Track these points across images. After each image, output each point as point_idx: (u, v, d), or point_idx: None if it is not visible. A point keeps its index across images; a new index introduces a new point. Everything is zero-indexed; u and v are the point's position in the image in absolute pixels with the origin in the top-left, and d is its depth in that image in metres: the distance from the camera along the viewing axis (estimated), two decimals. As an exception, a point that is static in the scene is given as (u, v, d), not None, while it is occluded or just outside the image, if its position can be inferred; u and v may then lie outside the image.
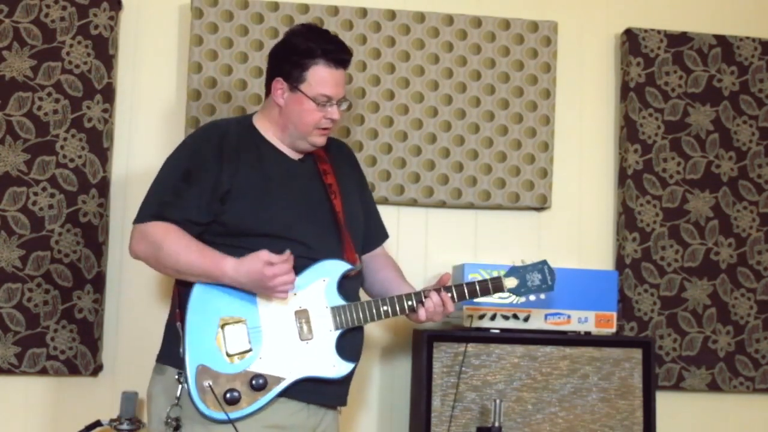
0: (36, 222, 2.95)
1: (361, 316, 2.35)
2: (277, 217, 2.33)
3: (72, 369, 2.95)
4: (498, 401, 2.72)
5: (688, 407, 3.29)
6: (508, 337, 2.93)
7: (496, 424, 2.70)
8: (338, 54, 2.39)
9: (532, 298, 2.52)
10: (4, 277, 2.93)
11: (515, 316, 2.94)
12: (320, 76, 2.36)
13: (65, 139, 2.99)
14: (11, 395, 2.97)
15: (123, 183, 3.05)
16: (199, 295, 2.28)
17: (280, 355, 2.28)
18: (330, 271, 2.35)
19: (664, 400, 3.20)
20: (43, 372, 2.94)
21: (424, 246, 3.19)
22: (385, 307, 2.38)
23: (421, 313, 2.39)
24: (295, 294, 2.30)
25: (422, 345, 2.89)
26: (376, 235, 2.66)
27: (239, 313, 2.28)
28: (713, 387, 3.26)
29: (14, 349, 2.92)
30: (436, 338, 2.91)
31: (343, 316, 2.33)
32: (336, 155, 2.57)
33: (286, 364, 2.28)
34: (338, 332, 2.33)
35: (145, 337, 2.79)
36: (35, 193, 2.96)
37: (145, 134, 3.09)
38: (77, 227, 2.97)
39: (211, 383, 2.22)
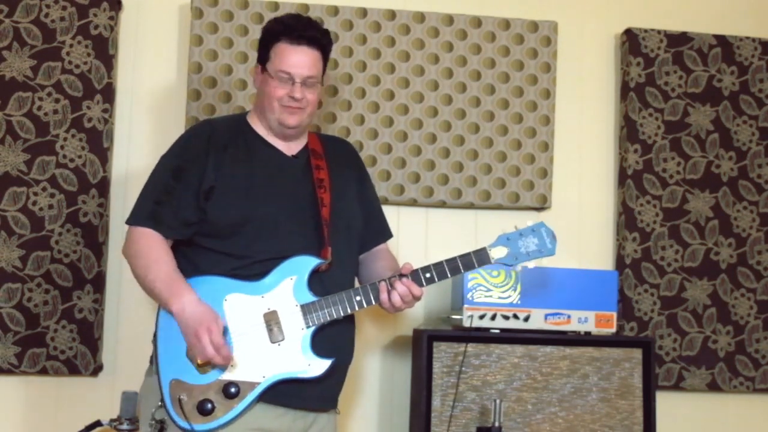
0: (36, 222, 2.95)
1: (333, 310, 2.30)
2: (257, 215, 2.33)
3: (72, 369, 2.95)
4: (498, 401, 2.72)
5: (688, 407, 3.29)
6: (508, 337, 2.93)
7: (496, 424, 2.70)
8: (300, 31, 2.38)
9: (530, 265, 2.37)
10: (4, 277, 2.93)
11: (515, 316, 2.94)
12: (281, 53, 2.38)
13: (65, 139, 2.99)
14: (11, 395, 2.97)
15: (123, 183, 3.05)
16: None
17: (252, 361, 2.26)
18: (297, 268, 2.31)
19: (664, 400, 3.20)
20: (43, 372, 2.94)
21: (424, 246, 3.19)
22: (358, 297, 2.32)
23: (385, 300, 2.31)
24: (263, 297, 2.29)
25: (422, 345, 2.89)
26: (377, 233, 2.63)
27: None
28: (713, 387, 3.26)
29: (14, 349, 2.92)
30: (436, 338, 2.90)
31: (313, 313, 2.29)
32: (335, 153, 2.56)
33: (258, 369, 2.26)
34: (311, 330, 2.29)
35: (145, 337, 2.78)
36: (35, 193, 2.96)
37: (145, 134, 3.09)
38: (77, 227, 2.97)
39: (184, 396, 2.22)
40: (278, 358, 2.27)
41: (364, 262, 2.58)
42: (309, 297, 2.31)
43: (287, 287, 2.31)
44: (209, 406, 2.22)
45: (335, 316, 2.31)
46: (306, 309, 2.30)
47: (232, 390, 2.23)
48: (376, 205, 2.66)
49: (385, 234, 2.67)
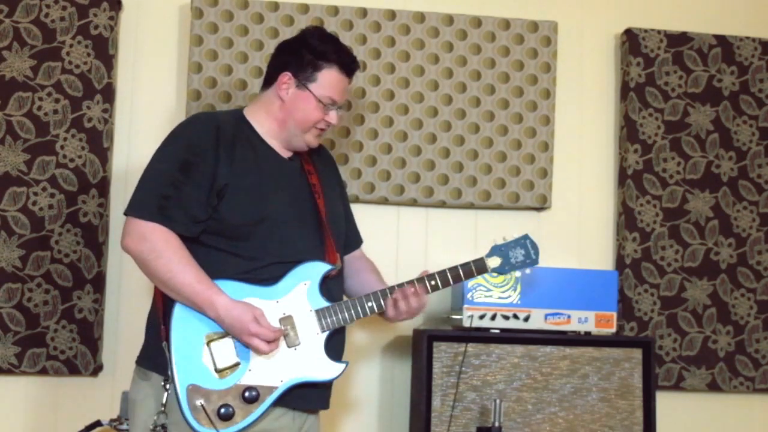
0: (36, 222, 2.95)
1: (346, 315, 2.34)
2: (269, 215, 2.32)
3: (72, 369, 2.95)
4: (498, 401, 2.72)
5: (688, 407, 3.29)
6: (508, 337, 2.93)
7: (496, 424, 2.70)
8: (351, 64, 2.46)
9: (517, 274, 2.54)
10: (4, 277, 2.93)
11: (515, 316, 2.94)
12: (331, 80, 2.40)
13: (65, 139, 2.99)
14: (11, 395, 2.97)
15: (123, 183, 3.05)
16: (181, 313, 2.26)
17: (270, 365, 2.26)
18: (311, 273, 2.33)
19: (664, 400, 3.20)
20: (43, 372, 2.94)
21: (424, 246, 3.19)
22: (369, 303, 2.38)
23: (390, 312, 2.39)
24: (277, 302, 2.30)
25: (422, 345, 2.89)
26: (354, 238, 2.68)
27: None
28: (713, 387, 3.26)
29: (14, 349, 2.92)
30: (436, 338, 2.91)
31: (328, 318, 2.32)
32: (317, 157, 2.58)
33: (277, 373, 2.26)
34: (325, 334, 2.32)
35: (145, 337, 2.79)
36: (35, 193, 2.96)
37: (145, 134, 3.09)
38: (77, 227, 2.97)
39: (203, 402, 2.21)
40: (295, 363, 2.28)
41: (349, 270, 2.59)
42: (322, 302, 2.33)
43: (301, 292, 2.32)
44: (229, 410, 2.22)
45: (348, 321, 2.35)
46: (320, 314, 2.32)
47: (252, 394, 2.23)
48: (350, 211, 2.71)
49: (359, 239, 2.72)
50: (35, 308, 2.93)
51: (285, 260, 2.31)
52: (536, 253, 2.52)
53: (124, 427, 2.79)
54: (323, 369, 2.31)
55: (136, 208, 2.27)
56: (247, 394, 2.23)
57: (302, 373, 2.29)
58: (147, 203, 2.26)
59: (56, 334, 2.94)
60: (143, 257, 2.26)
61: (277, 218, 2.33)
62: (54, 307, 2.95)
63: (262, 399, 2.24)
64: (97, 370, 2.98)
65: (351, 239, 2.65)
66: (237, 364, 2.25)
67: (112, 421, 2.82)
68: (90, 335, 2.96)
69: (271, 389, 2.25)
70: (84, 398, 2.99)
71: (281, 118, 2.41)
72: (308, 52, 2.40)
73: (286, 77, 2.39)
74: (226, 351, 2.25)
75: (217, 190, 2.28)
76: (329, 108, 2.42)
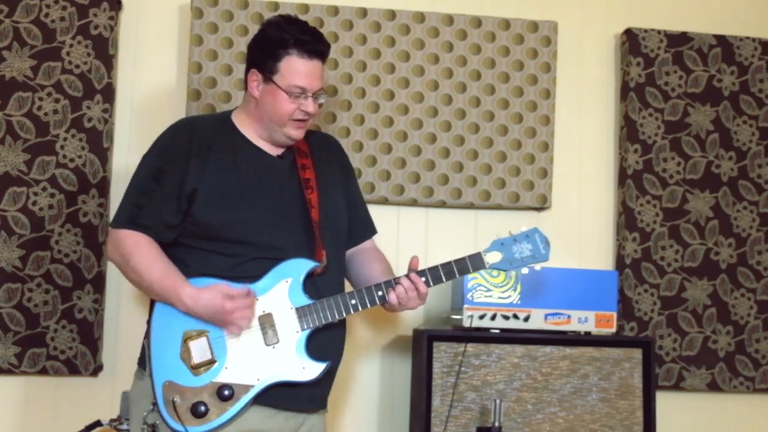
0: (36, 222, 2.95)
1: (328, 313, 2.29)
2: (244, 218, 2.31)
3: (72, 369, 2.95)
4: (498, 401, 2.72)
5: (688, 407, 3.29)
6: (508, 337, 2.93)
7: (496, 424, 2.70)
8: (312, 45, 2.34)
9: (524, 271, 2.36)
10: (4, 277, 2.93)
11: (515, 316, 2.94)
12: (293, 68, 2.32)
13: (65, 139, 2.99)
14: (11, 395, 2.97)
15: (123, 183, 3.01)
16: (161, 310, 2.28)
17: (247, 363, 2.25)
18: (293, 270, 2.30)
19: (664, 400, 3.20)
20: (43, 372, 2.94)
21: (424, 246, 3.19)
22: (353, 301, 2.31)
23: (392, 298, 2.30)
24: (257, 299, 2.28)
25: (422, 345, 2.89)
26: (363, 228, 2.61)
27: (202, 326, 2.26)
28: (713, 387, 3.26)
29: (14, 349, 2.92)
30: (436, 338, 2.91)
31: (309, 316, 2.28)
32: (319, 149, 2.53)
33: (253, 372, 2.25)
34: (305, 333, 2.28)
35: (145, 337, 2.79)
36: (35, 193, 2.96)
37: (145, 134, 3.08)
38: (77, 227, 2.97)
39: (177, 398, 2.21)
40: (273, 361, 2.26)
41: (354, 261, 2.56)
42: (304, 300, 2.30)
43: (282, 290, 2.30)
44: (203, 408, 2.21)
45: (330, 320, 2.30)
46: (301, 312, 2.29)
47: (226, 392, 2.23)
48: (360, 200, 2.63)
49: (370, 229, 2.64)
50: (35, 308, 2.93)
51: (268, 257, 2.30)
52: (546, 247, 2.36)
53: (124, 427, 2.79)
54: (301, 369, 2.27)
55: (114, 218, 2.37)
56: (221, 392, 2.23)
57: (279, 372, 2.26)
58: (123, 213, 2.35)
59: (56, 334, 2.94)
60: (118, 263, 2.34)
61: (256, 218, 2.32)
62: (54, 307, 2.95)
63: (237, 397, 2.23)
64: (97, 370, 2.98)
65: (358, 230, 2.58)
66: (213, 362, 2.25)
67: (112, 421, 2.82)
68: (90, 335, 2.96)
69: (247, 388, 2.24)
70: (84, 398, 2.99)
71: (258, 117, 2.39)
72: (267, 43, 2.35)
73: (253, 75, 2.37)
74: (202, 348, 2.25)
75: (186, 194, 2.30)
76: (300, 97, 2.34)
